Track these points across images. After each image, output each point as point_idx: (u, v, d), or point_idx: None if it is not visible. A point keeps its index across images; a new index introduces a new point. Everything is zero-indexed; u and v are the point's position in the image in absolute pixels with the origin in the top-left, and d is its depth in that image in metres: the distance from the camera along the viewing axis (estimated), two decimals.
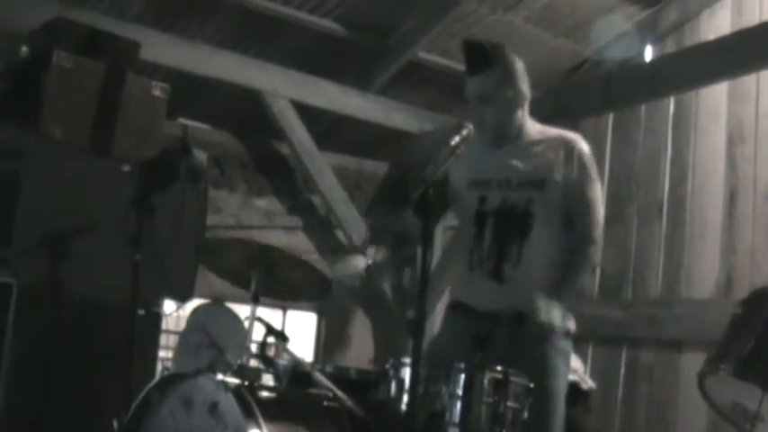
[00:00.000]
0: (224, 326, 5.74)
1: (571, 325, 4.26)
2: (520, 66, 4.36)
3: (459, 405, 3.76)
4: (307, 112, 7.77)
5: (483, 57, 4.31)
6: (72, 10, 6.08)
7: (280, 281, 5.01)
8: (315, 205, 8.53)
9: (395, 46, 7.63)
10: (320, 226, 8.52)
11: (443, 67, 7.76)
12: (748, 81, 6.65)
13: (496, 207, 4.28)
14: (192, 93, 7.33)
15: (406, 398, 3.89)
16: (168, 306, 5.70)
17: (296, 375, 4.68)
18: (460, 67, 4.40)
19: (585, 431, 5.56)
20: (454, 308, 4.47)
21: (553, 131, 4.40)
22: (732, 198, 6.65)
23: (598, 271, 7.40)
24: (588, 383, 5.73)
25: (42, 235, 4.83)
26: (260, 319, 5.02)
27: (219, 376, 4.23)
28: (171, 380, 4.36)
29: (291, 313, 8.60)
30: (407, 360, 3.86)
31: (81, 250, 4.86)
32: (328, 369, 4.69)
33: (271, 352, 4.88)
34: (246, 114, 7.91)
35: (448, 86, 7.75)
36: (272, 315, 7.67)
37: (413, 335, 3.29)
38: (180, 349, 6.07)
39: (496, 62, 4.30)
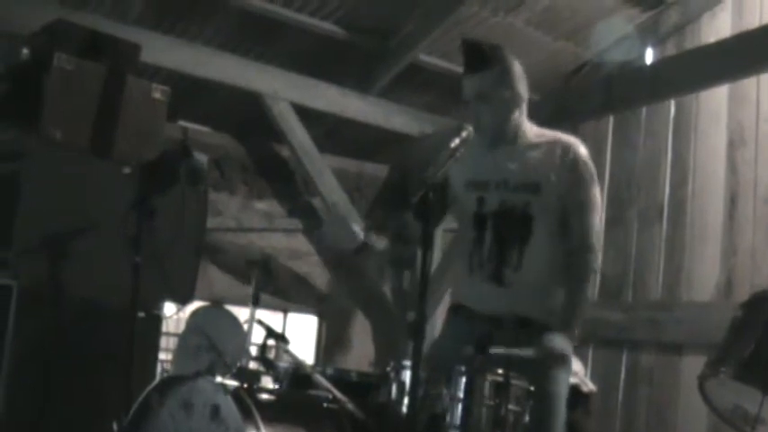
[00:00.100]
0: (223, 328, 5.74)
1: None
2: (518, 67, 4.35)
3: (459, 408, 3.76)
4: (307, 115, 7.77)
5: (481, 56, 4.31)
6: (73, 12, 6.08)
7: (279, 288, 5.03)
8: (315, 208, 8.52)
9: (395, 48, 7.64)
10: (320, 228, 8.51)
11: (444, 70, 7.76)
12: (749, 84, 6.64)
13: (495, 209, 4.27)
14: (193, 95, 7.33)
15: (406, 400, 3.89)
16: (168, 308, 5.70)
17: (296, 378, 4.68)
18: (461, 69, 4.40)
19: None
20: (455, 311, 4.47)
21: (551, 134, 4.40)
22: (732, 201, 6.64)
23: (598, 272, 7.40)
24: (589, 386, 5.72)
25: (43, 236, 4.83)
26: (260, 322, 5.03)
27: (219, 379, 4.24)
28: (170, 382, 4.37)
29: (292, 316, 8.60)
30: (408, 363, 3.86)
31: (81, 252, 4.86)
32: (329, 371, 4.70)
33: (271, 354, 4.89)
34: (247, 117, 7.91)
35: (448, 89, 7.75)
36: (272, 317, 7.67)
37: (413, 337, 3.29)
38: (179, 351, 6.07)
39: (494, 62, 4.30)
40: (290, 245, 8.34)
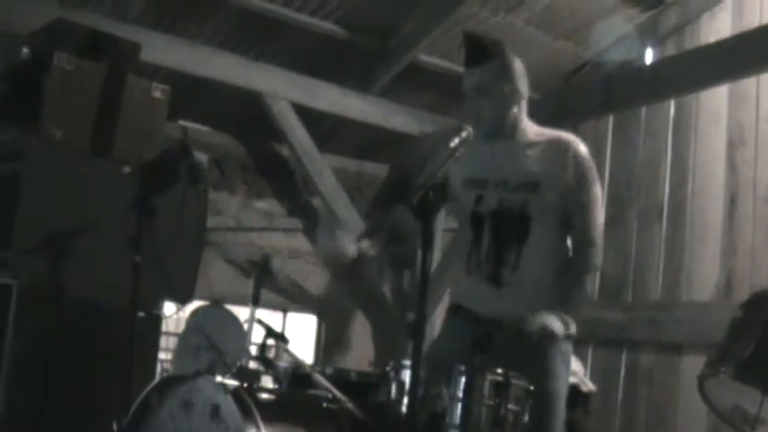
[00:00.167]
0: (224, 328, 5.74)
1: (572, 329, 4.24)
2: (518, 64, 4.35)
3: (459, 407, 3.76)
4: (307, 114, 7.77)
5: (482, 50, 4.30)
6: (73, 12, 6.09)
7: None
8: (315, 207, 8.53)
9: (395, 48, 7.64)
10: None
11: (444, 70, 7.77)
12: (748, 84, 6.65)
13: (493, 209, 4.26)
14: (193, 94, 7.33)
15: (406, 400, 3.89)
16: (168, 308, 5.70)
17: (296, 377, 4.68)
18: (461, 69, 4.40)
19: None
20: (454, 311, 4.46)
21: (551, 133, 4.39)
22: (732, 201, 6.65)
23: (598, 273, 7.41)
24: (588, 386, 5.73)
25: (42, 236, 4.83)
26: (260, 321, 5.03)
27: (219, 378, 4.24)
28: (170, 382, 4.36)
29: (292, 315, 8.60)
30: (407, 362, 3.86)
31: (81, 252, 4.86)
32: (328, 371, 4.70)
33: (271, 354, 4.89)
34: (247, 116, 7.91)
35: (448, 89, 7.75)
36: (272, 317, 7.67)
37: (413, 337, 3.28)
38: (179, 351, 6.07)
39: (494, 56, 4.29)
40: (289, 244, 8.35)
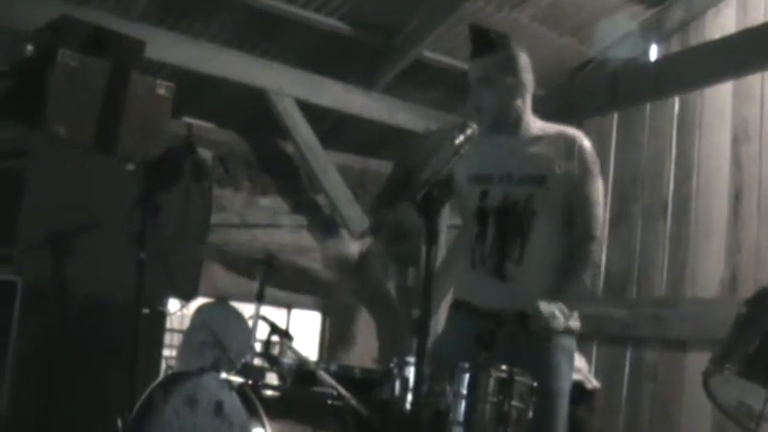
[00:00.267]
0: (228, 324, 5.74)
1: (574, 324, 4.24)
2: (524, 57, 4.35)
3: (463, 404, 3.76)
4: (311, 111, 7.78)
5: (488, 41, 4.31)
6: (77, 8, 6.08)
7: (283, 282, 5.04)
8: (319, 204, 8.53)
9: (400, 45, 7.64)
10: (325, 225, 8.52)
11: (448, 66, 7.77)
12: (753, 80, 6.64)
13: (498, 204, 4.25)
14: (197, 91, 7.33)
15: (410, 397, 3.89)
16: (172, 304, 5.70)
17: (300, 374, 4.68)
18: (466, 65, 4.40)
19: (590, 430, 5.56)
20: (457, 306, 4.46)
21: (555, 128, 4.38)
22: (737, 197, 6.64)
23: (603, 270, 7.40)
24: (592, 383, 5.73)
25: (47, 233, 4.83)
26: (264, 318, 5.03)
27: (223, 375, 4.24)
28: (175, 378, 4.37)
29: (296, 312, 8.60)
30: (412, 359, 3.86)
31: (85, 248, 4.86)
32: (332, 368, 4.70)
33: (275, 351, 4.89)
34: (251, 113, 7.91)
35: (453, 85, 7.75)
36: (276, 314, 7.67)
37: (417, 334, 3.29)
38: (184, 348, 6.07)
39: (500, 47, 4.30)
40: (294, 241, 8.34)
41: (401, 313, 8.24)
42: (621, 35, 7.69)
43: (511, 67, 4.30)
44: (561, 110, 7.04)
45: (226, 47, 7.21)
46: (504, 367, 3.75)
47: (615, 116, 7.73)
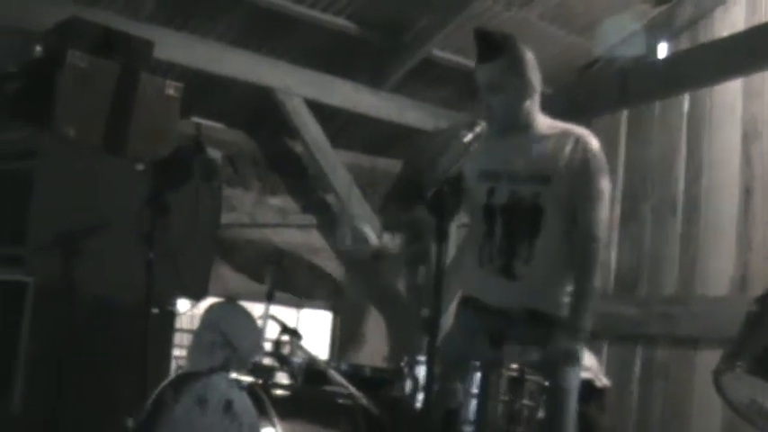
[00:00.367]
0: (238, 324, 5.75)
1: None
2: (530, 57, 4.34)
3: (474, 403, 3.76)
4: (320, 110, 7.78)
5: (493, 46, 4.30)
6: (86, 9, 6.08)
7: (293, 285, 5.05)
8: (329, 203, 8.53)
9: (409, 43, 7.64)
10: (334, 224, 8.51)
11: (457, 65, 7.76)
12: (762, 77, 6.63)
13: (505, 201, 4.25)
14: (206, 91, 7.34)
15: (420, 395, 3.89)
16: (182, 304, 5.71)
17: (310, 373, 4.69)
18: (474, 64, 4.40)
19: (600, 429, 5.55)
20: (465, 303, 4.45)
21: (563, 126, 4.37)
22: (747, 194, 6.62)
23: (613, 268, 7.40)
24: (603, 381, 5.72)
25: (56, 234, 4.84)
26: (274, 318, 5.03)
27: (233, 374, 4.24)
28: (185, 378, 4.38)
29: (306, 311, 8.60)
30: (422, 358, 3.86)
31: (95, 249, 4.86)
32: (343, 367, 4.71)
33: (285, 350, 4.89)
34: (260, 113, 7.92)
35: (462, 84, 7.74)
36: (286, 313, 7.67)
37: (428, 332, 3.28)
38: (194, 348, 6.08)
39: (506, 51, 4.28)
40: (304, 240, 8.34)
41: (411, 312, 8.23)
42: (630, 33, 7.67)
43: (517, 69, 4.29)
44: (570, 108, 7.02)
45: (234, 47, 7.21)
46: (514, 366, 3.75)
47: (625, 114, 7.71)
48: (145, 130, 5.51)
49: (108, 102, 5.40)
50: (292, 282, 5.36)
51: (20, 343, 4.89)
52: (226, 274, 6.38)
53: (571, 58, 7.92)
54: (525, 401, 3.75)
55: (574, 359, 4.08)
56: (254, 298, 6.27)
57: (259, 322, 5.23)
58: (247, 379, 4.23)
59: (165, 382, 4.40)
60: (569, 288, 4.20)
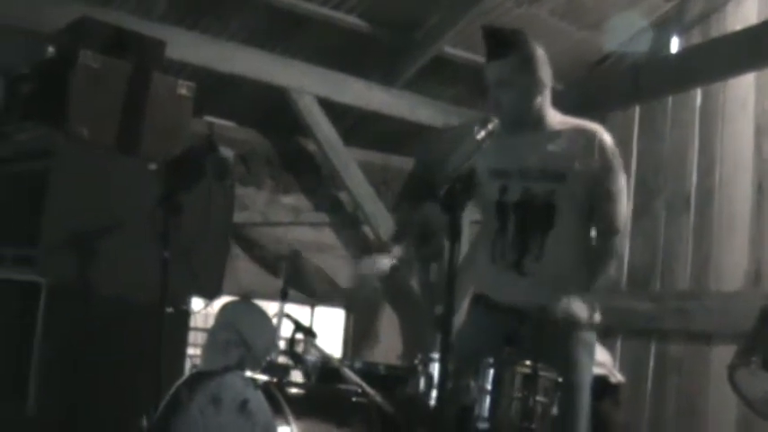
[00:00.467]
0: (252, 323, 5.76)
1: (595, 317, 4.24)
2: (540, 53, 4.32)
3: (488, 400, 3.76)
4: (332, 109, 7.78)
5: (502, 43, 4.28)
6: (98, 9, 6.09)
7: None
8: (342, 201, 8.53)
9: (420, 41, 7.64)
10: (347, 222, 8.52)
11: (469, 62, 7.75)
12: None
13: (517, 199, 4.24)
14: (218, 90, 7.35)
15: (434, 393, 3.89)
16: (196, 303, 5.71)
17: (325, 371, 4.69)
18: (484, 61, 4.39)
19: (614, 425, 5.55)
20: (477, 300, 4.46)
21: (575, 122, 4.36)
22: (761, 188, 6.61)
23: (626, 263, 7.38)
24: (617, 377, 5.71)
25: (70, 234, 4.85)
26: (288, 316, 5.04)
27: (248, 373, 4.25)
28: (200, 377, 4.38)
29: (319, 309, 8.61)
30: (436, 355, 3.86)
31: (108, 249, 4.88)
32: (357, 365, 4.70)
33: (299, 348, 4.90)
34: (272, 111, 7.93)
35: (473, 81, 7.71)
36: (300, 311, 7.68)
37: (441, 330, 3.28)
38: (208, 347, 6.09)
39: (516, 48, 4.27)
40: (316, 239, 8.35)
41: (425, 309, 8.23)
42: (641, 28, 7.66)
43: (527, 66, 4.27)
44: (582, 104, 6.99)
45: (246, 45, 7.22)
46: (528, 362, 3.75)
47: (637, 109, 7.69)
48: (157, 130, 5.51)
49: (120, 101, 5.41)
50: (306, 280, 5.37)
51: (34, 343, 4.89)
52: (240, 272, 6.39)
53: (582, 53, 7.91)
54: (539, 398, 3.75)
55: (574, 323, 4.05)
56: (269, 296, 6.28)
57: (273, 320, 5.23)
58: (262, 378, 4.23)
59: (180, 382, 4.41)
60: (580, 284, 4.20)
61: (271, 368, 4.56)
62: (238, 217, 6.70)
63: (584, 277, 4.23)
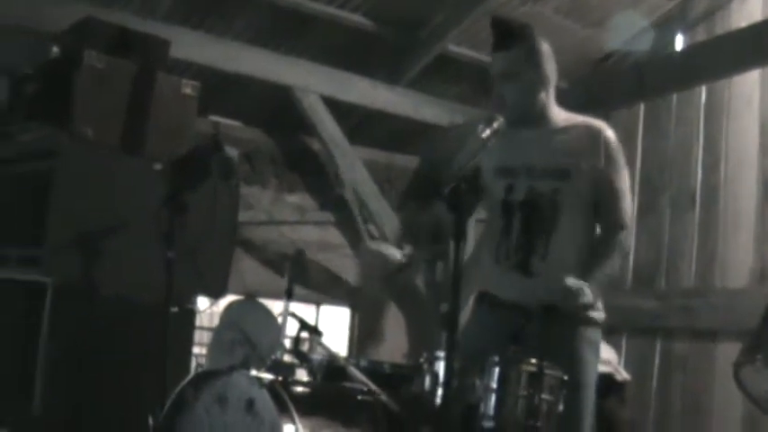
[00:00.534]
0: (257, 322, 5.75)
1: (600, 315, 4.23)
2: (546, 48, 4.30)
3: (493, 398, 3.76)
4: (337, 107, 7.78)
5: (509, 34, 4.26)
6: (102, 10, 6.10)
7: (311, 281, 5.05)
8: (346, 200, 8.53)
9: (425, 39, 7.64)
10: (352, 221, 8.52)
11: (473, 60, 7.76)
12: None
13: (523, 197, 4.22)
14: (223, 90, 7.35)
15: (440, 391, 3.89)
16: (201, 303, 5.72)
17: (330, 370, 4.69)
18: (490, 59, 4.38)
19: (620, 422, 5.55)
20: (481, 298, 4.44)
21: (579, 119, 4.34)
22: (765, 186, 6.61)
23: (631, 261, 7.38)
24: (622, 375, 5.72)
25: (75, 234, 4.86)
26: (293, 315, 5.04)
27: (253, 372, 4.24)
28: (205, 376, 4.37)
29: (325, 308, 8.61)
30: (441, 354, 3.86)
31: (114, 249, 4.89)
32: (362, 363, 4.69)
33: (305, 347, 4.90)
34: (277, 110, 7.93)
35: (478, 79, 7.74)
36: (305, 310, 7.69)
37: (446, 328, 3.28)
38: (214, 346, 6.09)
39: (522, 41, 4.25)
40: (321, 237, 8.35)
41: (430, 308, 8.22)
42: (646, 26, 7.66)
43: (533, 60, 4.26)
44: (587, 102, 7.00)
45: (251, 45, 7.22)
46: (533, 360, 3.75)
47: (642, 107, 7.69)
48: (162, 130, 5.52)
49: (125, 101, 5.41)
50: (311, 278, 5.37)
51: (39, 343, 4.90)
52: (245, 271, 6.40)
53: (586, 51, 7.91)
54: (545, 396, 3.74)
55: (583, 299, 4.04)
56: (274, 295, 6.28)
57: (279, 319, 5.23)
58: (268, 376, 4.23)
59: (186, 381, 4.40)
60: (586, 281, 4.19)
61: (276, 367, 4.55)
62: (243, 216, 6.70)
63: (589, 263, 4.22)
